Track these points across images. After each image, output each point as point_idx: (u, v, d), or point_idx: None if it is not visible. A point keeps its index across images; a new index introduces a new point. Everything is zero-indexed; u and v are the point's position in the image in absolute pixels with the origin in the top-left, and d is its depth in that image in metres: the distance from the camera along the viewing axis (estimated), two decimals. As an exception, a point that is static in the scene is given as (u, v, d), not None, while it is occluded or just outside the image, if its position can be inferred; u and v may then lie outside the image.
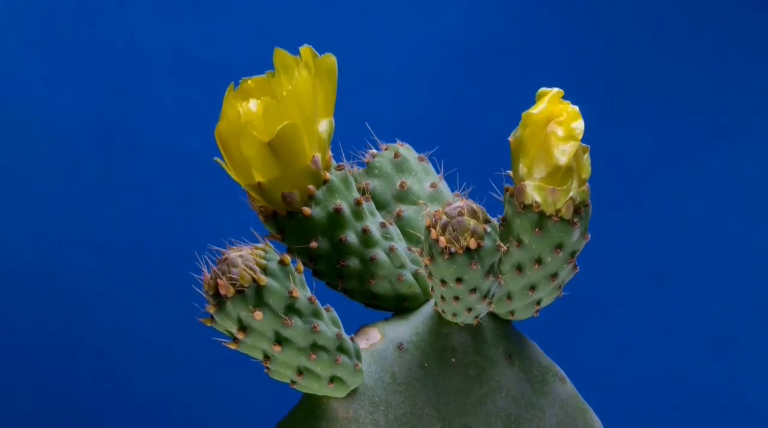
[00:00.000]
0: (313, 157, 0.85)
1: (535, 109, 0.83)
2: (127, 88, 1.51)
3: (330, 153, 0.87)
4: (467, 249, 0.81)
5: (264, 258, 0.81)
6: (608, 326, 1.57)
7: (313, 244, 0.86)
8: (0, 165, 1.50)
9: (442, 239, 0.81)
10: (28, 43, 1.50)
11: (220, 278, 0.80)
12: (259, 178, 0.85)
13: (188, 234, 1.48)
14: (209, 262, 0.81)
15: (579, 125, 0.83)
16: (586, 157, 0.84)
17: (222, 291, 0.80)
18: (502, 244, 0.82)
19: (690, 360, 1.57)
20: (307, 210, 0.85)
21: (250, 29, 1.53)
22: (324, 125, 0.86)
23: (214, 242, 0.81)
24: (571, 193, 0.83)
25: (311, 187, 0.85)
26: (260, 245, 0.82)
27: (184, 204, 1.52)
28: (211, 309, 0.81)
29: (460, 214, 0.82)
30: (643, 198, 1.58)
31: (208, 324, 0.82)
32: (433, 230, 0.81)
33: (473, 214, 0.82)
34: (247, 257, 0.81)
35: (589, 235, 0.86)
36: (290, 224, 0.86)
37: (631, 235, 1.57)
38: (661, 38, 1.59)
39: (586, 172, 0.84)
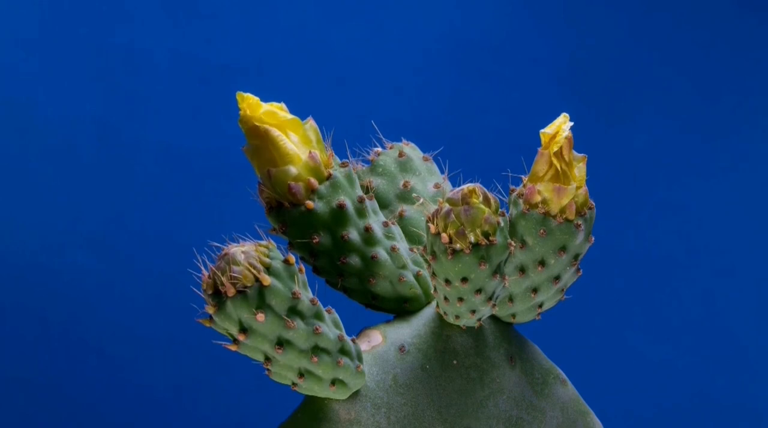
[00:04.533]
0: (310, 152, 0.85)
1: (548, 129, 0.83)
2: (128, 87, 1.51)
3: (331, 151, 0.87)
4: (475, 246, 0.79)
5: (268, 256, 0.80)
6: (609, 329, 1.57)
7: (315, 239, 0.85)
8: (1, 164, 1.49)
9: (444, 235, 0.79)
10: (28, 43, 1.50)
11: (219, 277, 0.79)
12: (267, 166, 0.85)
13: (189, 233, 1.47)
14: (207, 261, 0.80)
15: (564, 133, 0.83)
16: (582, 165, 0.84)
17: (222, 290, 0.78)
18: (512, 242, 0.81)
19: (691, 363, 1.57)
20: (310, 203, 0.85)
21: (250, 29, 1.53)
22: (307, 128, 0.86)
23: (215, 241, 0.80)
24: (570, 186, 0.83)
25: (313, 180, 0.85)
26: (263, 242, 0.81)
27: (184, 203, 1.52)
28: (210, 309, 0.79)
29: (465, 199, 0.80)
30: (644, 200, 1.57)
31: (207, 325, 0.80)
32: (431, 225, 0.80)
33: (486, 200, 0.80)
34: (251, 254, 0.79)
35: (593, 239, 0.85)
36: (293, 217, 0.85)
37: (632, 238, 1.57)
38: (661, 38, 1.59)
39: (581, 179, 0.84)
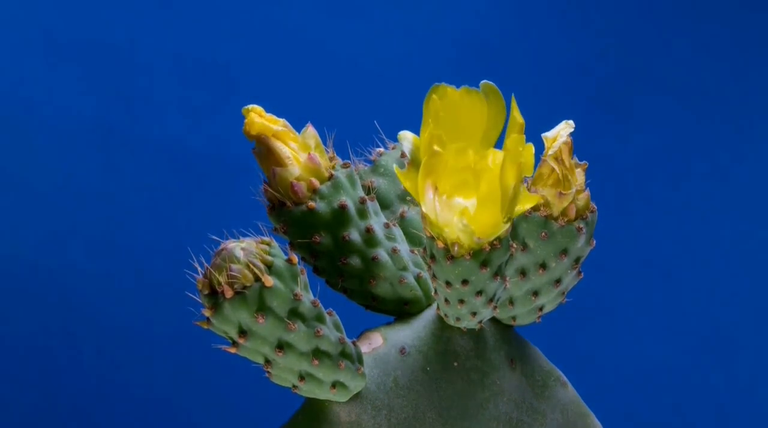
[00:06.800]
0: (309, 154, 0.85)
1: (549, 133, 0.83)
2: (127, 87, 1.51)
3: (333, 152, 0.87)
4: (476, 252, 0.78)
5: (269, 253, 0.79)
6: (610, 331, 1.57)
7: (316, 239, 0.85)
8: (0, 164, 1.49)
9: (439, 242, 0.79)
10: (28, 42, 1.49)
11: (216, 276, 0.77)
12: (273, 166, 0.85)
13: (189, 232, 1.47)
14: (204, 261, 0.78)
15: (562, 139, 0.83)
16: (580, 170, 0.84)
17: (219, 290, 0.77)
18: (513, 244, 0.81)
19: (692, 365, 1.56)
20: (311, 203, 0.85)
21: (252, 28, 1.53)
22: (306, 135, 0.86)
23: (214, 243, 0.79)
24: (572, 190, 0.83)
25: (315, 180, 0.85)
26: (264, 238, 0.80)
27: (184, 204, 1.52)
28: (207, 312, 0.78)
29: None
30: (644, 201, 1.57)
31: (206, 327, 0.79)
32: (426, 229, 0.80)
33: None
34: (251, 251, 0.78)
35: (594, 242, 0.85)
36: (295, 217, 0.85)
37: (633, 239, 1.57)
38: (663, 37, 1.58)
39: (581, 183, 0.83)
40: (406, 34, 1.55)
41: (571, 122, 0.83)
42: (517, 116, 0.76)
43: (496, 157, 0.75)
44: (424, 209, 0.77)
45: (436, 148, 0.74)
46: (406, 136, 0.79)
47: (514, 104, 0.77)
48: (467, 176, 0.75)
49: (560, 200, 0.83)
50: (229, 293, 0.77)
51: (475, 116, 0.77)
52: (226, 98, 1.51)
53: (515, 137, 0.75)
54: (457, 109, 0.77)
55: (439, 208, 0.76)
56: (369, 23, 1.55)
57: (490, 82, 0.78)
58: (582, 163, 0.84)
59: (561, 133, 0.82)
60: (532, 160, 0.76)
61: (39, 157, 1.50)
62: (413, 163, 0.77)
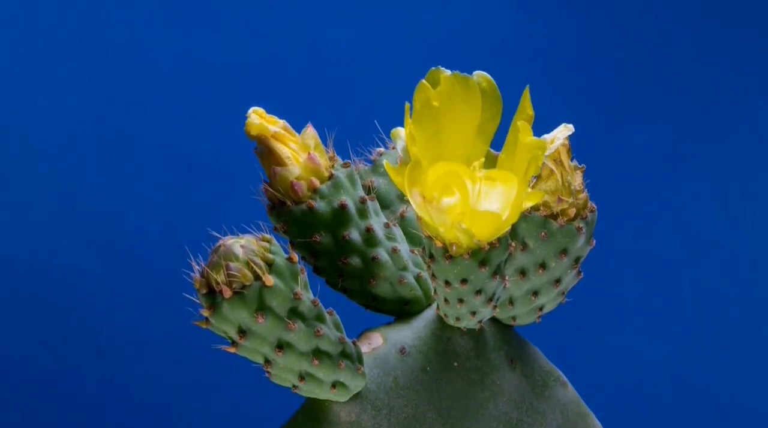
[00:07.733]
0: (309, 154, 0.85)
1: (548, 135, 0.83)
2: (127, 87, 1.51)
3: (333, 152, 0.87)
4: (475, 251, 0.78)
5: (269, 251, 0.79)
6: (609, 331, 1.57)
7: (316, 238, 0.85)
8: (0, 164, 1.49)
9: (437, 241, 0.79)
10: (28, 42, 1.49)
11: (213, 276, 0.76)
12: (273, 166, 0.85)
13: (189, 233, 1.47)
14: (202, 261, 0.78)
15: (559, 141, 0.83)
16: (579, 172, 0.84)
17: (217, 289, 0.77)
18: (512, 243, 0.81)
19: (692, 365, 1.56)
20: (312, 202, 0.85)
21: (252, 28, 1.53)
22: (306, 135, 0.86)
23: (214, 241, 0.79)
24: (571, 199, 0.83)
25: (315, 179, 0.85)
26: (265, 235, 0.79)
27: (184, 202, 1.52)
28: (205, 312, 0.77)
29: None
30: (644, 201, 1.57)
31: (204, 327, 0.78)
32: (424, 229, 0.80)
33: None
34: (251, 248, 0.77)
35: (594, 242, 0.85)
36: (295, 216, 0.85)
37: (633, 239, 1.57)
38: (665, 37, 1.58)
39: (579, 184, 0.83)
40: (406, 34, 1.55)
41: (570, 126, 0.83)
42: (527, 107, 0.76)
43: (499, 173, 0.75)
44: (417, 211, 0.77)
45: (413, 151, 0.74)
46: (400, 134, 0.79)
47: (526, 95, 0.76)
48: (449, 180, 0.74)
49: (559, 203, 0.83)
50: (227, 293, 0.76)
51: (470, 107, 0.77)
52: (226, 98, 1.51)
53: (535, 142, 0.74)
54: (451, 99, 0.77)
55: (431, 212, 0.76)
56: (370, 23, 1.55)
57: (485, 73, 0.78)
58: (581, 166, 0.84)
59: (558, 135, 0.82)
60: (542, 159, 0.76)
61: (39, 157, 1.50)
62: (405, 159, 0.77)
